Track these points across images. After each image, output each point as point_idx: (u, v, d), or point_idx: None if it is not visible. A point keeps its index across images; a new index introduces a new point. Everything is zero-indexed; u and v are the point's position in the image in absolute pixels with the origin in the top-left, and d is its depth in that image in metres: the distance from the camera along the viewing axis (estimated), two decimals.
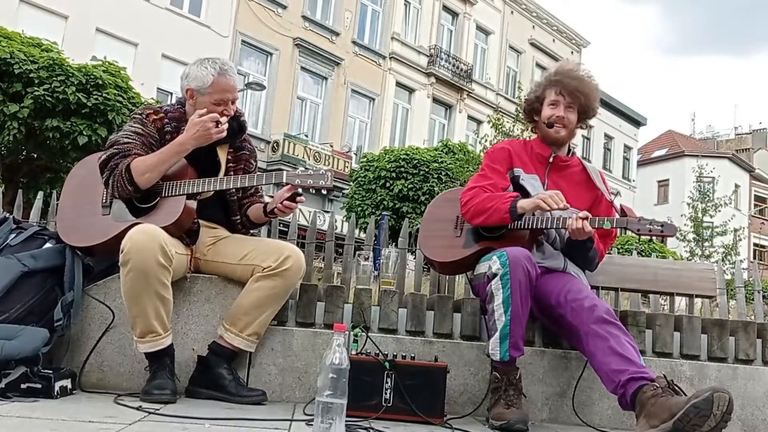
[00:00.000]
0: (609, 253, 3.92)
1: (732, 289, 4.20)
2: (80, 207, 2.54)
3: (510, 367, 2.34)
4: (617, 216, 2.49)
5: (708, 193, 24.85)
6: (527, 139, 2.81)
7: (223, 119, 2.44)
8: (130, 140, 2.44)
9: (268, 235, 3.25)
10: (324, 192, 2.49)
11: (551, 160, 2.60)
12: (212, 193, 2.54)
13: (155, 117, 2.53)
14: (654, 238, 2.38)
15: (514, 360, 2.33)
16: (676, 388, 2.06)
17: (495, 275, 2.31)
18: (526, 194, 2.52)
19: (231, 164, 2.64)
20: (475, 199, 2.52)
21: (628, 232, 2.50)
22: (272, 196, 2.61)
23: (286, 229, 3.44)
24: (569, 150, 2.69)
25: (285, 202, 2.49)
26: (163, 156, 2.40)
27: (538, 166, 2.61)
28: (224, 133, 2.45)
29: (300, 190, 2.49)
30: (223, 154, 2.64)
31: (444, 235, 2.72)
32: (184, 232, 2.48)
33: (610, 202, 2.57)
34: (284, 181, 2.47)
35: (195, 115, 2.41)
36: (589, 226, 2.36)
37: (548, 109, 2.60)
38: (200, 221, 2.52)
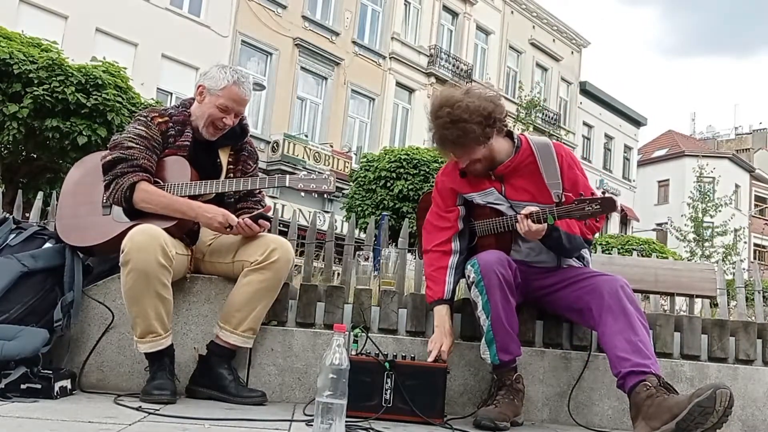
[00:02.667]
0: (609, 253, 3.93)
1: (732, 290, 4.20)
2: (80, 207, 2.53)
3: (504, 369, 2.35)
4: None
5: (708, 193, 24.86)
6: None
7: (234, 229, 2.42)
8: (134, 144, 2.44)
9: None
10: (325, 195, 2.51)
11: (493, 177, 2.44)
12: (213, 195, 2.54)
13: (160, 120, 2.53)
14: (600, 217, 2.18)
15: (506, 363, 2.33)
16: (668, 386, 2.06)
17: (473, 283, 2.31)
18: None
19: (231, 166, 2.65)
20: (426, 267, 2.56)
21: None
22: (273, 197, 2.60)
23: (286, 230, 3.44)
24: (515, 145, 2.43)
25: (247, 220, 2.44)
26: (170, 205, 2.40)
27: (492, 179, 2.44)
28: (226, 230, 2.43)
29: (270, 213, 2.53)
30: (224, 156, 2.65)
31: None
32: (185, 232, 2.49)
33: (555, 196, 2.26)
34: (287, 185, 2.49)
35: (228, 216, 2.39)
36: (535, 225, 2.24)
37: None
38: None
